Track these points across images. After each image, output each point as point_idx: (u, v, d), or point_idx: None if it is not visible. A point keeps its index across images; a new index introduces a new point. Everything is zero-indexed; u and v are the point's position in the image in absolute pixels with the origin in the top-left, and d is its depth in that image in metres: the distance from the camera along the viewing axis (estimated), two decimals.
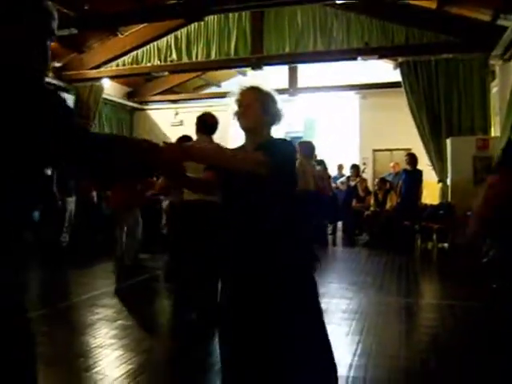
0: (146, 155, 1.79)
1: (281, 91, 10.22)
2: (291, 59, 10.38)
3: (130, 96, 13.73)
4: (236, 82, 11.49)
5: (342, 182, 10.78)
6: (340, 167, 11.53)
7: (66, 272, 7.16)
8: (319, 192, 7.04)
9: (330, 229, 10.03)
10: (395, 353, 3.74)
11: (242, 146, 2.47)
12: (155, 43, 10.73)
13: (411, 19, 9.11)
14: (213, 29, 10.32)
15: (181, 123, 13.05)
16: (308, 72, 11.81)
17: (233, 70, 12.97)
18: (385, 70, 10.97)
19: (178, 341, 4.13)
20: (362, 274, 6.88)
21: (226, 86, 13.99)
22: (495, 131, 8.93)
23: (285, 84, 11.85)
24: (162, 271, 6.49)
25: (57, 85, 10.31)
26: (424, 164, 9.37)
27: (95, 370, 3.37)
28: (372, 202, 10.07)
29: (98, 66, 10.95)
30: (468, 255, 6.19)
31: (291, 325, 2.20)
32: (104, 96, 11.76)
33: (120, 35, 10.53)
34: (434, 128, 9.11)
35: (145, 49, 10.81)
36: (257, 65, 9.87)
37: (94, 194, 9.47)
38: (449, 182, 8.91)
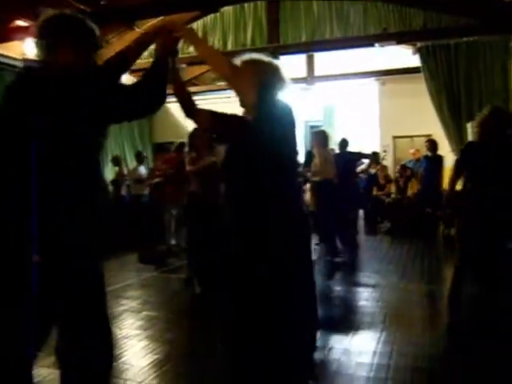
0: (157, 51, 2.29)
1: (298, 80, 10.16)
2: (308, 47, 10.30)
3: None
4: None
5: (361, 170, 10.71)
6: None
7: None
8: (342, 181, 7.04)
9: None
10: (419, 340, 3.74)
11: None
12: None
13: (429, 2, 8.96)
14: (229, 20, 10.30)
15: None
16: (325, 60, 11.72)
17: None
18: (404, 56, 10.82)
19: None
20: (385, 261, 6.86)
21: None
22: None
23: (302, 73, 11.79)
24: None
25: None
26: (446, 150, 9.27)
27: (122, 359, 3.43)
28: (393, 189, 10.00)
29: None
30: None
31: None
32: None
33: (137, 29, 10.57)
34: (454, 113, 8.97)
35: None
36: (273, 54, 9.81)
37: (125, 184, 9.65)
38: None
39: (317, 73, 11.98)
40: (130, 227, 8.34)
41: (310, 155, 7.92)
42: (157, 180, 8.13)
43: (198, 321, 4.54)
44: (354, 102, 12.75)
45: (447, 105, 9.00)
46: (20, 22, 8.44)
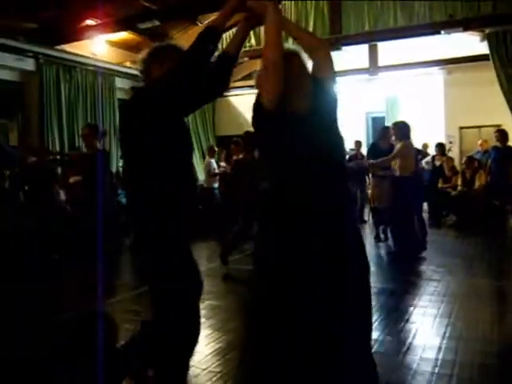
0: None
1: (361, 71, 10.06)
2: (371, 37, 10.14)
3: None
4: None
5: (426, 162, 10.44)
6: (425, 146, 11.16)
7: None
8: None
9: None
10: (487, 337, 3.62)
11: None
12: (233, 30, 10.83)
13: None
14: (290, 12, 10.28)
15: None
16: (389, 49, 11.48)
17: None
18: (470, 43, 10.44)
19: None
20: (450, 255, 6.67)
21: None
22: None
23: (365, 63, 11.60)
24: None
25: None
26: None
27: None
28: (459, 181, 9.71)
29: None
30: None
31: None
32: None
33: (199, 24, 10.73)
34: None
35: (224, 36, 10.93)
36: (335, 45, 9.73)
37: None
38: None
39: (380, 63, 11.76)
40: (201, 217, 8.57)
41: (374, 147, 7.76)
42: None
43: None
44: (417, 92, 12.44)
45: None
46: (89, 21, 8.76)
